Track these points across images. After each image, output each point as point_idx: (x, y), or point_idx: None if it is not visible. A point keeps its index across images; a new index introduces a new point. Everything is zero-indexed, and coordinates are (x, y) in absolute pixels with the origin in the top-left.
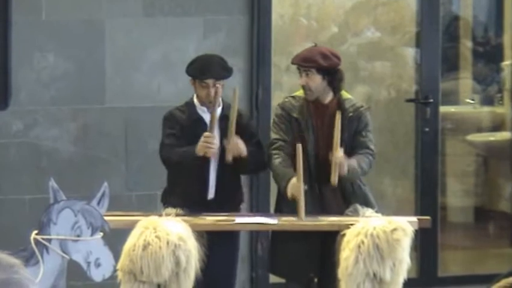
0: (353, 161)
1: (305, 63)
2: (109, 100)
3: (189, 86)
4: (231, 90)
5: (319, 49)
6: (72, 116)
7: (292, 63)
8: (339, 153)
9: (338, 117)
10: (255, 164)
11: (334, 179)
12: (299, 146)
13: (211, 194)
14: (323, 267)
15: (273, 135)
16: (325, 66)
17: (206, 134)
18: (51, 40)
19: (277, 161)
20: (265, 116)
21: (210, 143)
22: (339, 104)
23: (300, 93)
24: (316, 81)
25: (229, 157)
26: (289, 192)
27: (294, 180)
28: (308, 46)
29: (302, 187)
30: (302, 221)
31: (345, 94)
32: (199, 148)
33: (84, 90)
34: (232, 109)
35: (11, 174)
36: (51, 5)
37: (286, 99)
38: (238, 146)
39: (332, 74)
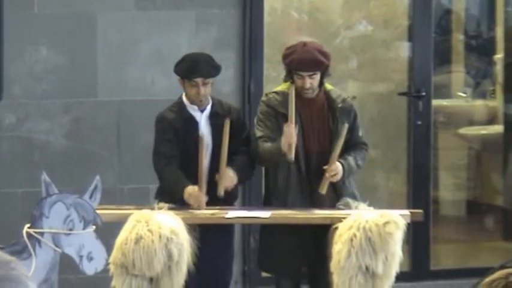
0: (351, 160)
1: (317, 68)
2: (101, 93)
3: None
4: (223, 85)
5: (313, 47)
6: (64, 110)
7: (300, 70)
8: (335, 166)
9: (344, 130)
10: (247, 176)
11: (323, 189)
12: (292, 86)
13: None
14: (314, 261)
15: (258, 133)
16: (327, 64)
17: (196, 193)
18: (43, 33)
19: (266, 144)
20: (257, 110)
21: (197, 202)
22: (326, 96)
23: (282, 88)
24: (318, 79)
25: (221, 192)
26: (284, 140)
27: (285, 127)
28: (297, 41)
29: (294, 128)
30: (291, 160)
31: (327, 85)
32: (187, 197)
33: (77, 83)
34: (224, 138)
35: (3, 167)
36: None
37: (270, 95)
38: (230, 179)
39: (326, 69)
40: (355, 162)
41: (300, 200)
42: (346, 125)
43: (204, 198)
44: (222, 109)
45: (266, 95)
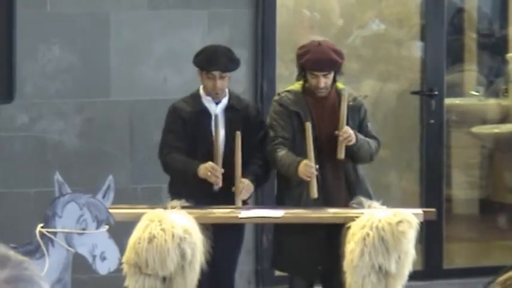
0: (361, 136)
1: (332, 68)
2: (114, 93)
3: (195, 79)
4: (236, 84)
5: (327, 46)
6: (77, 109)
7: (316, 70)
8: (345, 129)
9: (344, 97)
10: (263, 180)
11: (341, 154)
12: (308, 124)
13: (219, 182)
14: (328, 260)
15: (272, 133)
16: (341, 63)
17: (214, 166)
18: (56, 33)
19: (281, 152)
20: (269, 108)
21: (214, 175)
22: (337, 94)
23: (295, 87)
24: (331, 78)
25: (238, 203)
26: (301, 173)
27: (304, 161)
28: (311, 40)
29: (314, 166)
30: (314, 196)
31: (338, 84)
32: (203, 171)
33: (90, 83)
34: (236, 153)
35: (16, 167)
36: None
37: (283, 94)
38: (246, 189)
39: (339, 68)
40: (365, 140)
41: (312, 199)
42: (346, 93)
43: (221, 173)
44: (240, 104)
45: (278, 94)
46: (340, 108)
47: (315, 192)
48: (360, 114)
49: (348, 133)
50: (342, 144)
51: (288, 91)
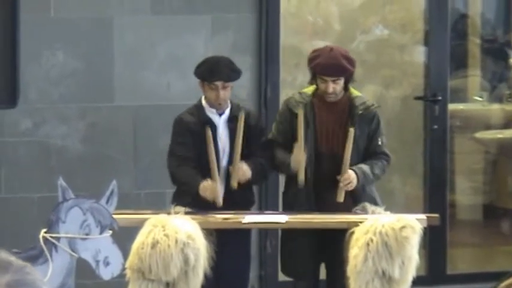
0: (366, 168)
1: (340, 74)
2: (118, 98)
3: (198, 84)
4: (240, 90)
5: (339, 52)
6: (81, 114)
7: (324, 74)
8: (348, 175)
9: (351, 135)
10: (262, 176)
11: (340, 197)
12: (300, 112)
13: (220, 201)
14: (331, 266)
15: (272, 133)
16: (353, 71)
17: (211, 185)
18: (59, 38)
19: (279, 152)
20: (273, 114)
21: (213, 194)
22: (349, 101)
23: (308, 90)
24: (341, 84)
25: (234, 183)
26: (292, 161)
27: (295, 149)
28: (319, 45)
29: (303, 153)
30: (302, 183)
31: (354, 91)
32: (202, 191)
33: (93, 88)
34: (238, 132)
35: (20, 172)
36: (59, 3)
37: (292, 96)
38: (242, 171)
39: (351, 75)
40: (370, 170)
41: (307, 203)
42: (352, 130)
43: (220, 190)
44: (240, 113)
45: (292, 94)
46: (346, 146)
47: (302, 178)
48: (371, 126)
49: (349, 180)
50: (342, 189)
51: (299, 93)
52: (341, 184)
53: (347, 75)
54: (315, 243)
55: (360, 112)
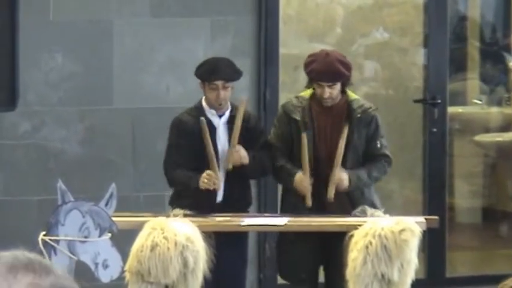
0: (362, 172)
1: (336, 79)
2: (117, 101)
3: (197, 87)
4: (239, 93)
5: (334, 57)
6: (79, 117)
7: (319, 80)
8: (338, 171)
9: (344, 132)
10: (261, 169)
11: (331, 195)
12: (304, 136)
13: (219, 196)
14: (329, 269)
15: (270, 137)
16: (349, 75)
17: (208, 172)
18: (58, 41)
19: (280, 162)
20: (272, 116)
21: (212, 183)
22: (347, 104)
23: (305, 93)
24: (338, 89)
25: (229, 165)
26: (297, 186)
27: (299, 174)
28: (319, 48)
29: (308, 179)
30: (309, 205)
31: (351, 94)
32: (202, 184)
33: (92, 91)
34: (238, 117)
35: (19, 175)
36: (58, 6)
37: (289, 100)
38: (239, 155)
39: (347, 79)
40: (367, 173)
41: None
42: (346, 126)
43: (220, 178)
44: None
45: (290, 99)
46: (338, 145)
47: (309, 203)
48: (370, 129)
49: (339, 180)
50: (333, 185)
51: (296, 97)
52: (332, 179)
53: (343, 80)
54: (314, 248)
55: (358, 115)
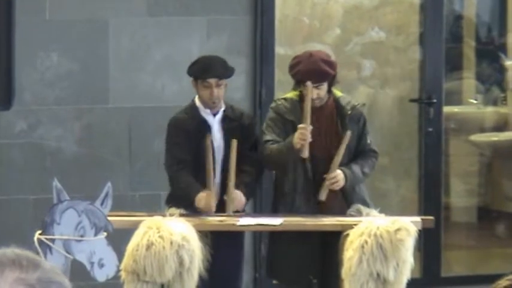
0: (356, 168)
1: (323, 79)
2: (113, 100)
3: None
4: (235, 92)
5: (319, 57)
6: (76, 116)
7: (303, 80)
8: (335, 174)
9: (346, 138)
10: (253, 195)
11: (323, 196)
12: (309, 84)
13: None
14: (324, 268)
15: (265, 137)
16: (334, 74)
17: (205, 194)
18: (55, 40)
19: (274, 145)
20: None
21: (207, 205)
22: (335, 103)
23: (291, 95)
24: (325, 89)
25: (229, 211)
26: (296, 139)
27: (300, 126)
28: (315, 48)
29: (308, 127)
30: (305, 156)
31: (337, 92)
32: (197, 202)
33: (88, 90)
34: (231, 160)
35: (15, 174)
36: (55, 5)
37: (279, 102)
38: (238, 201)
39: (333, 78)
40: (360, 170)
41: (306, 205)
42: (349, 133)
43: (214, 201)
44: (234, 113)
45: (275, 101)
46: (339, 148)
47: (306, 153)
48: (359, 125)
49: (335, 179)
50: (326, 188)
51: (284, 99)
52: (327, 182)
53: (328, 79)
54: (307, 247)
55: (349, 112)
